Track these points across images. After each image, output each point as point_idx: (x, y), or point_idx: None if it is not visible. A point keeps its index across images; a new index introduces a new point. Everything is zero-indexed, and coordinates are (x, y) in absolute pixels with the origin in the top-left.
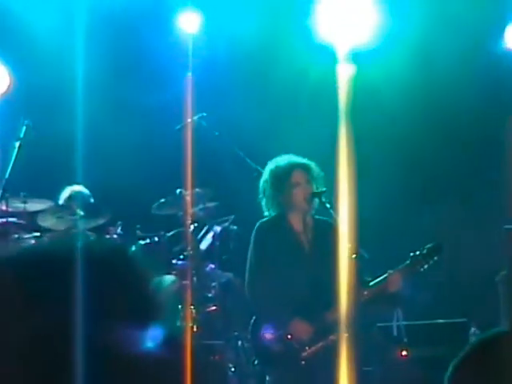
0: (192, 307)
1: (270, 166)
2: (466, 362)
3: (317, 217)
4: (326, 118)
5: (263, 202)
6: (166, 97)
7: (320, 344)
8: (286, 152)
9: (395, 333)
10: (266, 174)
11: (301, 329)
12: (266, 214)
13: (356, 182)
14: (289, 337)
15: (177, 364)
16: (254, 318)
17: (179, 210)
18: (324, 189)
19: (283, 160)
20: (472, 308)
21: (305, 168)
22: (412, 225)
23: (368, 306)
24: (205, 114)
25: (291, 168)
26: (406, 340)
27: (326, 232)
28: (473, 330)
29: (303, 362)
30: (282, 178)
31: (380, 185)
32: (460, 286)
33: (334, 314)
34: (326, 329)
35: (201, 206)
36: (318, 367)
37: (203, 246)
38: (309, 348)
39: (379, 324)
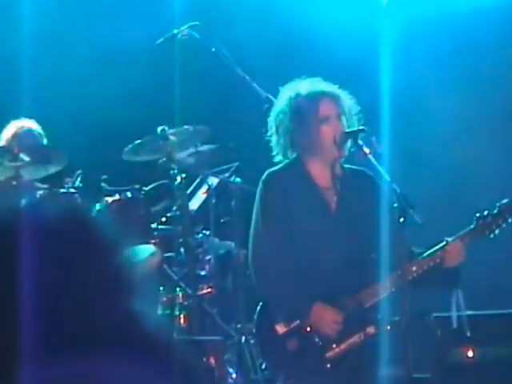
0: (178, 289)
1: (288, 92)
2: None
3: (349, 166)
4: None
5: (275, 144)
6: None
7: (352, 340)
8: (306, 77)
9: (455, 325)
10: (281, 103)
11: (326, 318)
12: (279, 159)
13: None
14: (308, 329)
15: (161, 369)
16: (261, 303)
17: (161, 155)
18: (361, 127)
19: (306, 85)
20: None
21: (336, 98)
22: (482, 177)
23: (418, 286)
24: (198, 23)
25: (318, 97)
26: (469, 334)
27: (361, 187)
28: None
29: (328, 366)
30: (304, 109)
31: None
32: None
33: (371, 298)
34: (360, 318)
35: (191, 150)
36: (350, 373)
37: (194, 204)
38: (336, 345)
39: (435, 314)
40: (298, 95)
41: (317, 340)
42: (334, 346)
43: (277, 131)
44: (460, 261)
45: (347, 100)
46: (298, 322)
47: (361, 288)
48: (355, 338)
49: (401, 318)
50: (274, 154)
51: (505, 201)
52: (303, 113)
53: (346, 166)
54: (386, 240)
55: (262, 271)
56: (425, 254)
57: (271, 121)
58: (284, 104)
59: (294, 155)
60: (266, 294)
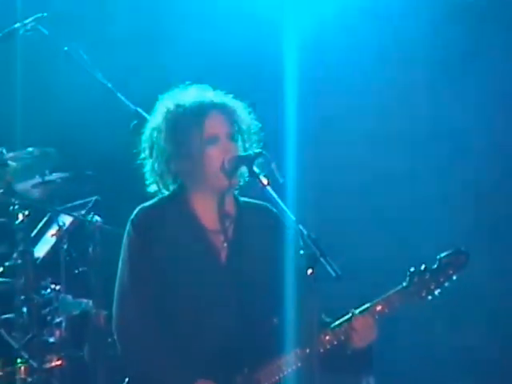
0: (19, 360)
1: (166, 103)
2: None
3: (246, 200)
4: None
5: (149, 171)
6: None
7: None
8: (191, 83)
9: None
10: (156, 117)
11: None
12: (154, 190)
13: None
14: None
15: None
16: (126, 380)
17: None
18: (259, 151)
19: (190, 95)
20: None
21: (228, 111)
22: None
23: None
24: (45, 15)
25: (204, 109)
26: None
27: (261, 229)
28: None
29: None
30: (185, 125)
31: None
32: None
33: (270, 377)
34: None
35: (37, 180)
36: None
37: (40, 251)
38: None
39: None
40: (177, 107)
41: None
42: None
43: (150, 154)
44: (370, 340)
45: (244, 115)
46: None
47: (257, 363)
48: None
49: None
50: (147, 183)
51: (446, 253)
52: (183, 130)
53: (243, 199)
54: (291, 300)
55: (129, 341)
56: (331, 326)
57: (144, 141)
58: (160, 119)
59: (175, 186)
60: (133, 369)
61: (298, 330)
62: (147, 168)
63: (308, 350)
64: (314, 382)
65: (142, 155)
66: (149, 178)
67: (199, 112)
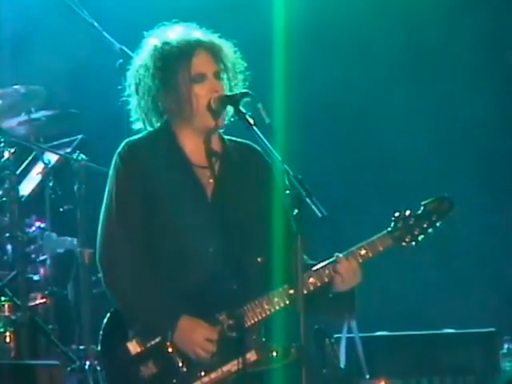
0: (3, 298)
1: (153, 41)
2: None
3: (232, 138)
4: None
5: (134, 107)
6: None
7: (226, 368)
8: (178, 22)
9: (343, 364)
10: (143, 55)
11: (194, 336)
12: (139, 126)
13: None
14: (170, 350)
15: None
16: (108, 314)
17: None
18: (245, 90)
19: (177, 33)
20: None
21: (215, 50)
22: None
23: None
24: None
25: (191, 48)
26: (368, 377)
27: (246, 166)
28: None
29: None
30: (172, 63)
31: None
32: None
33: (255, 315)
34: (239, 340)
35: (23, 118)
36: None
37: (25, 188)
38: (205, 373)
39: (336, 335)
40: (164, 45)
41: (180, 365)
42: (203, 373)
43: (136, 91)
44: (354, 284)
45: (230, 53)
46: (157, 339)
47: (242, 301)
48: (230, 366)
49: (293, 342)
50: (132, 120)
51: (431, 199)
52: (170, 68)
53: (228, 137)
54: (277, 239)
55: (113, 273)
56: (313, 269)
57: (130, 77)
58: (147, 56)
59: (161, 122)
60: (116, 301)
61: (283, 270)
62: (132, 105)
63: (292, 291)
64: (298, 323)
65: (127, 92)
66: (134, 114)
67: (186, 50)
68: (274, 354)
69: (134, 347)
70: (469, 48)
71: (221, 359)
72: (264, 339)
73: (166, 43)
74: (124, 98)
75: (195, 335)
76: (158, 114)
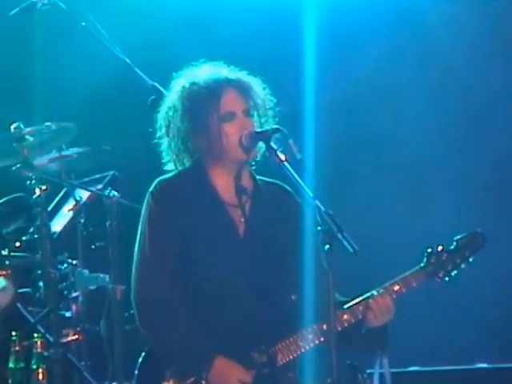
0: (36, 335)
1: (181, 81)
2: None
3: (262, 178)
4: None
5: (165, 149)
6: None
7: None
8: (205, 61)
9: None
10: (172, 96)
11: (229, 377)
12: (171, 167)
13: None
14: None
15: None
16: (143, 354)
17: (15, 159)
18: (276, 127)
19: (205, 72)
20: None
21: (244, 88)
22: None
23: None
24: None
25: (220, 86)
26: None
27: (276, 204)
28: None
29: None
30: (201, 103)
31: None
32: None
33: (288, 353)
34: (272, 379)
35: (54, 155)
36: None
37: (57, 225)
38: None
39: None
40: (192, 85)
41: None
42: None
43: (167, 133)
44: (387, 320)
45: (259, 90)
46: (192, 379)
47: (277, 339)
48: None
49: (327, 379)
50: (164, 161)
51: (464, 234)
52: (199, 108)
53: (259, 177)
54: (308, 276)
55: (149, 313)
56: (345, 306)
57: (160, 119)
58: (175, 97)
59: (192, 162)
60: (152, 341)
61: (316, 308)
62: (164, 146)
63: (325, 327)
64: (331, 360)
65: (159, 133)
66: (165, 156)
67: (214, 89)
68: None
69: None
70: None
71: None
72: (297, 377)
73: (193, 83)
74: (155, 141)
75: (230, 377)
76: (189, 154)
